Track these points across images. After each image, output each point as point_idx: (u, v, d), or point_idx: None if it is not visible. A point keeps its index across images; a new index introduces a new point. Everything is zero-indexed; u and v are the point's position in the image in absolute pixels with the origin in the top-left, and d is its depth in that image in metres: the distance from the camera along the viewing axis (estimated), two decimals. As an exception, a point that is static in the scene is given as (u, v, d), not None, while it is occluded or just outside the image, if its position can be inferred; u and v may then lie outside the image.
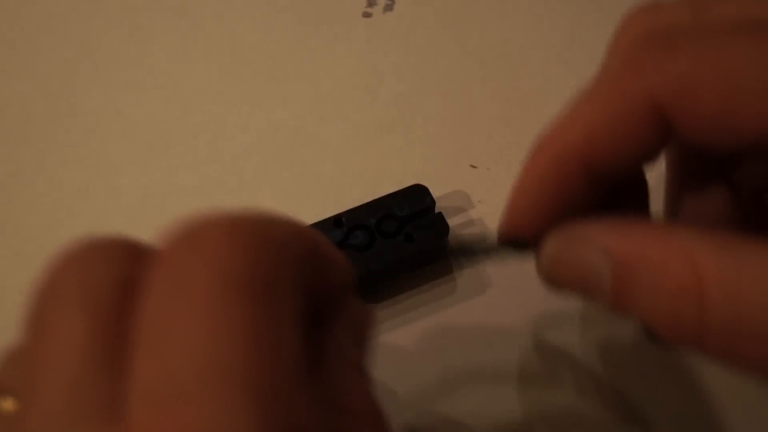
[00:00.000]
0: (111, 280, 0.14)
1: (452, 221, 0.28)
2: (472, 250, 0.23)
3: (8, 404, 0.14)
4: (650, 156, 0.20)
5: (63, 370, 0.13)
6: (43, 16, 0.37)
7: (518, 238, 0.22)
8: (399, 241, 0.27)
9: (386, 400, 0.26)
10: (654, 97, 0.18)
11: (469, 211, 0.30)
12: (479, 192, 0.31)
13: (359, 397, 0.17)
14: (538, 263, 0.21)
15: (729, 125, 0.18)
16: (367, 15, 0.37)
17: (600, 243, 0.19)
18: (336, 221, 0.27)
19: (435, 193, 0.28)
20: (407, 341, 0.27)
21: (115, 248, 0.15)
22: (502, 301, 0.28)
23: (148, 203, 0.31)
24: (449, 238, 0.28)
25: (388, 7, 0.37)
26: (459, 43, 0.35)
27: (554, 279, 0.21)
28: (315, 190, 0.31)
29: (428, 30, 0.36)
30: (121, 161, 0.32)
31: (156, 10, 0.37)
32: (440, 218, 0.28)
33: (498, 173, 0.31)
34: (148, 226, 0.17)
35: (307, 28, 0.36)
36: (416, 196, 0.28)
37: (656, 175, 0.24)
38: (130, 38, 0.36)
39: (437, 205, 0.28)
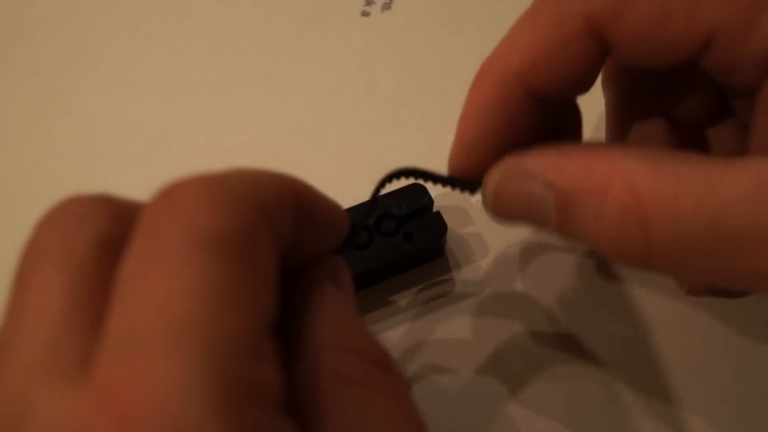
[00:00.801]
0: (92, 237, 0.15)
1: (450, 220, 0.28)
2: (420, 174, 0.23)
3: None
4: (587, 80, 0.20)
5: (39, 325, 0.14)
6: (42, 14, 0.37)
7: (467, 170, 0.22)
8: (397, 239, 0.27)
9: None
10: (590, 15, 0.19)
11: (467, 210, 0.30)
12: (477, 191, 0.31)
13: (351, 335, 0.17)
14: (483, 196, 0.22)
15: (662, 40, 0.18)
16: (365, 14, 0.37)
17: (542, 177, 0.19)
18: (335, 220, 0.27)
19: (433, 192, 0.28)
20: (405, 340, 0.27)
21: (98, 206, 0.15)
22: (500, 300, 0.28)
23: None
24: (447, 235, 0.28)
25: (386, 6, 0.37)
26: (457, 41, 0.35)
27: (500, 211, 0.21)
28: (313, 189, 0.31)
29: (426, 29, 0.36)
30: (120, 160, 0.32)
31: (155, 8, 0.37)
32: (438, 217, 0.28)
33: (496, 172, 0.31)
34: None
35: (306, 27, 0.36)
36: (414, 195, 0.28)
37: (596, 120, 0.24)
38: (129, 37, 0.36)
39: (435, 204, 0.28)
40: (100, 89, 0.35)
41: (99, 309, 0.14)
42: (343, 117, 0.33)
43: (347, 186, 0.31)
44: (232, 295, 0.13)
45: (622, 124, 0.24)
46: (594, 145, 0.20)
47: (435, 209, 0.28)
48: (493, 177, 0.21)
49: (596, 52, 0.19)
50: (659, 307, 0.27)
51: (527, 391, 0.26)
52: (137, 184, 0.32)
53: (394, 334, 0.27)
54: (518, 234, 0.29)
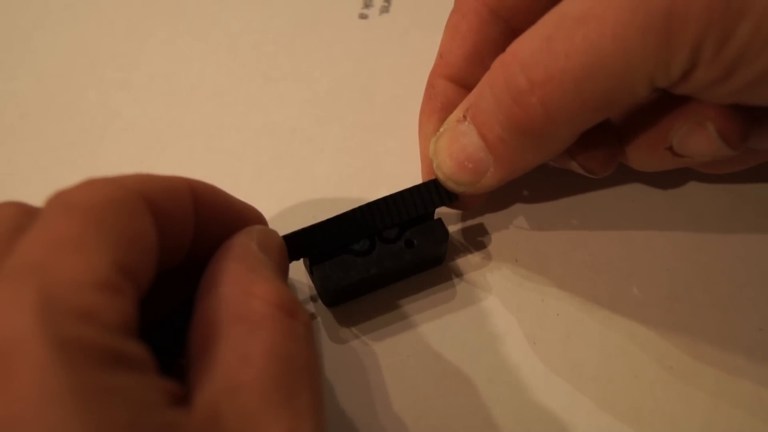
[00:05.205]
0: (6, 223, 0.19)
1: (452, 227, 0.28)
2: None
3: None
4: None
5: None
6: (39, 14, 0.37)
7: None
8: (399, 246, 0.27)
9: (384, 406, 0.26)
10: None
11: (469, 217, 0.30)
12: (477, 197, 0.31)
13: (259, 281, 0.20)
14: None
15: None
16: (363, 16, 0.37)
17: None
18: (335, 225, 0.27)
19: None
20: (406, 347, 0.27)
21: (14, 205, 0.19)
22: (502, 309, 0.28)
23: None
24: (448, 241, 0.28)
25: (384, 9, 0.37)
26: (455, 45, 0.35)
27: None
28: (312, 193, 0.31)
29: (424, 31, 0.36)
30: (117, 161, 0.32)
31: (152, 9, 0.37)
32: (440, 224, 0.28)
33: (495, 178, 0.31)
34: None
35: (303, 29, 0.36)
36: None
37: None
38: (126, 38, 0.36)
39: (437, 211, 0.28)
40: (98, 90, 0.34)
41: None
42: (340, 120, 0.33)
43: (346, 190, 0.31)
44: (77, 242, 0.17)
45: None
46: None
47: (436, 216, 0.28)
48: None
49: None
50: (657, 310, 0.28)
51: (529, 398, 0.26)
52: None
53: (395, 340, 0.27)
54: (520, 242, 0.30)
